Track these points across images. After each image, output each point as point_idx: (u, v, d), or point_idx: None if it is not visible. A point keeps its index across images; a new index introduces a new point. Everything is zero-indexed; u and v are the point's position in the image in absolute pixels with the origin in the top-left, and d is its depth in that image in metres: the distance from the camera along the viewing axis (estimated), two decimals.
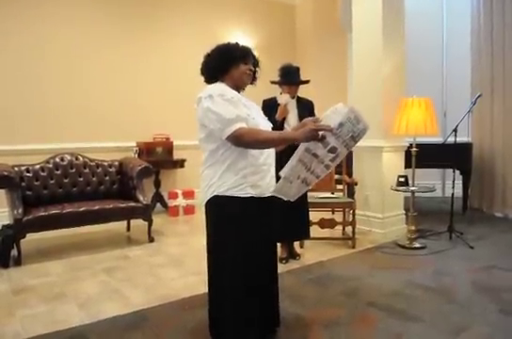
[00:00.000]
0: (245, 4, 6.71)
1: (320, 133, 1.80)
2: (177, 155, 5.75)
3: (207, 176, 2.07)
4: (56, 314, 2.65)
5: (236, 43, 2.16)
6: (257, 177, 2.02)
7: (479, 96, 4.37)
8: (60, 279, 3.30)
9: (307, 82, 3.64)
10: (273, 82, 3.61)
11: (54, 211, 3.82)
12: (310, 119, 2.00)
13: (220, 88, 2.03)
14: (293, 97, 3.58)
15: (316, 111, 3.70)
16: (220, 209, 2.06)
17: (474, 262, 3.59)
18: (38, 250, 4.08)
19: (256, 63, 2.19)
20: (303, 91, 3.74)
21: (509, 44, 5.16)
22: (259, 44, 6.46)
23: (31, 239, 3.86)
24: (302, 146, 1.86)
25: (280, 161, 2.02)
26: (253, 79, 2.22)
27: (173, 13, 6.03)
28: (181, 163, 5.75)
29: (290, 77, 3.54)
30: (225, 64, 2.10)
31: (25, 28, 4.93)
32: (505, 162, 5.32)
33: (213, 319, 2.20)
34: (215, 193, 2.03)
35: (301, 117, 3.52)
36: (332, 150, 1.85)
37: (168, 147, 5.72)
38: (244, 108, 1.99)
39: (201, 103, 1.98)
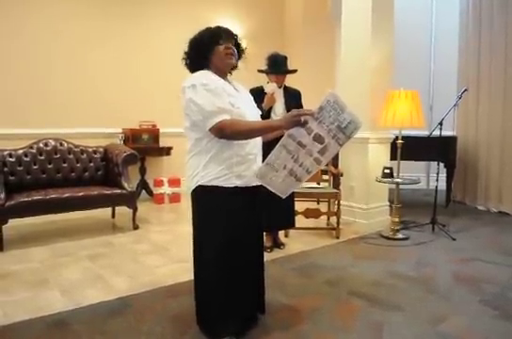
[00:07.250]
0: None
1: (302, 118, 1.81)
2: (163, 143, 5.70)
3: (192, 165, 2.05)
4: (38, 301, 2.63)
5: (206, 28, 2.11)
6: (243, 167, 2.01)
7: (465, 91, 4.39)
8: (43, 265, 3.28)
9: (294, 71, 3.62)
10: (260, 71, 3.59)
11: (37, 197, 3.76)
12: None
13: (204, 76, 1.99)
14: (280, 86, 3.57)
15: (303, 101, 3.70)
16: (205, 199, 2.05)
17: (456, 253, 3.64)
18: (20, 235, 4.03)
19: (235, 37, 2.14)
20: (291, 81, 3.72)
21: (496, 40, 5.18)
22: (248, 33, 6.40)
23: (14, 225, 3.82)
24: (286, 133, 1.88)
25: (268, 152, 1.99)
26: (239, 55, 2.17)
27: (160, 1, 5.94)
28: (167, 150, 5.70)
29: (277, 66, 3.52)
30: (202, 55, 2.06)
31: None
32: (489, 156, 5.38)
33: (199, 307, 2.20)
34: (199, 183, 2.02)
35: (288, 106, 3.51)
36: (318, 138, 1.86)
37: (155, 134, 5.66)
38: (228, 98, 1.95)
39: (185, 93, 1.96)
